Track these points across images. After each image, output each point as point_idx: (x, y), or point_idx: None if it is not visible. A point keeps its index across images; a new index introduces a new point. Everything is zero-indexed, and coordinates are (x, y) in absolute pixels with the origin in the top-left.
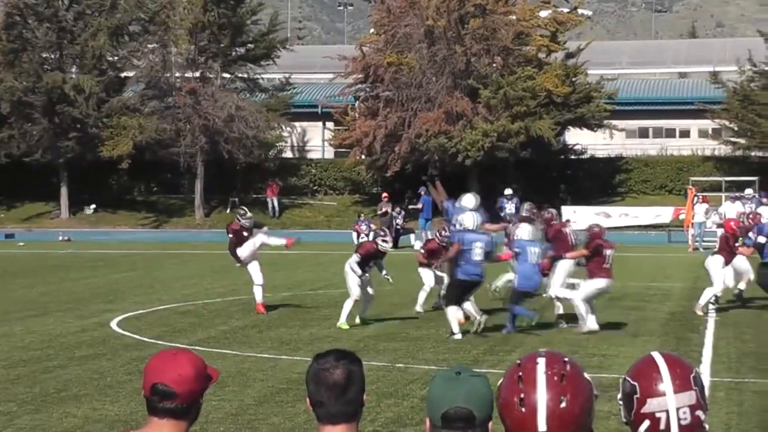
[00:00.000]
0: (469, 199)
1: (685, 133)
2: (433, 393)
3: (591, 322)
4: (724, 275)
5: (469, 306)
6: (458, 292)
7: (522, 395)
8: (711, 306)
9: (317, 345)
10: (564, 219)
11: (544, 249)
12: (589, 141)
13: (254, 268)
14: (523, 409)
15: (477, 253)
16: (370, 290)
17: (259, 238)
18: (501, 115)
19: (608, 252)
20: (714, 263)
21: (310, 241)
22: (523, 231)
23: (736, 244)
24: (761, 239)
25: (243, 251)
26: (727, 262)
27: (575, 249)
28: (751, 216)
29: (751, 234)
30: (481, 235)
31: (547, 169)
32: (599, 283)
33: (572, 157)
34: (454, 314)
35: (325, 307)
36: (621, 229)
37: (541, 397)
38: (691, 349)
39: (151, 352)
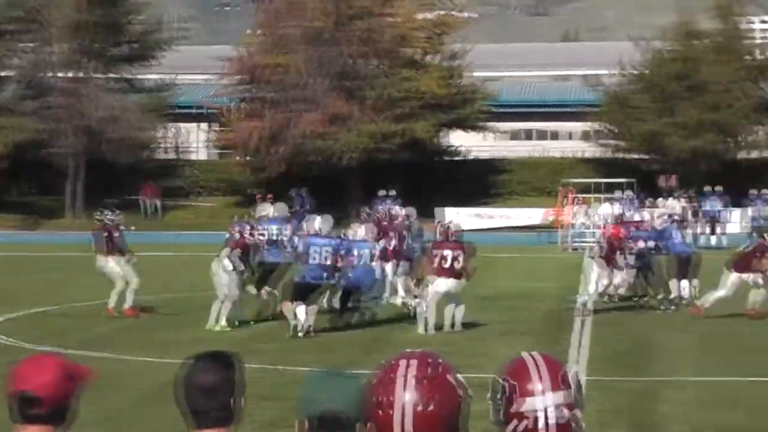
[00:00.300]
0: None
1: (565, 136)
2: (307, 394)
3: (423, 328)
4: (601, 276)
5: (302, 309)
6: (296, 293)
7: (388, 397)
8: (587, 306)
9: (195, 347)
10: (446, 220)
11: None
12: (472, 143)
13: (129, 272)
14: (390, 411)
15: (319, 257)
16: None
17: (132, 283)
18: (382, 116)
19: (445, 253)
20: (592, 265)
21: (188, 242)
22: (358, 232)
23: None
24: (641, 244)
25: (117, 263)
26: (607, 265)
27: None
28: (634, 224)
29: (631, 243)
30: (326, 239)
31: (428, 170)
32: (437, 283)
33: (455, 158)
34: (289, 309)
35: (201, 310)
36: (497, 230)
37: (407, 399)
38: (564, 348)
39: (26, 356)
